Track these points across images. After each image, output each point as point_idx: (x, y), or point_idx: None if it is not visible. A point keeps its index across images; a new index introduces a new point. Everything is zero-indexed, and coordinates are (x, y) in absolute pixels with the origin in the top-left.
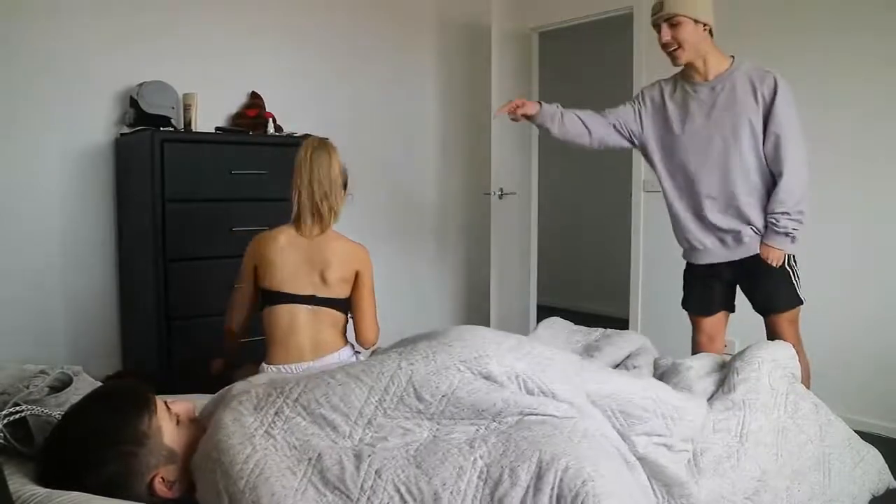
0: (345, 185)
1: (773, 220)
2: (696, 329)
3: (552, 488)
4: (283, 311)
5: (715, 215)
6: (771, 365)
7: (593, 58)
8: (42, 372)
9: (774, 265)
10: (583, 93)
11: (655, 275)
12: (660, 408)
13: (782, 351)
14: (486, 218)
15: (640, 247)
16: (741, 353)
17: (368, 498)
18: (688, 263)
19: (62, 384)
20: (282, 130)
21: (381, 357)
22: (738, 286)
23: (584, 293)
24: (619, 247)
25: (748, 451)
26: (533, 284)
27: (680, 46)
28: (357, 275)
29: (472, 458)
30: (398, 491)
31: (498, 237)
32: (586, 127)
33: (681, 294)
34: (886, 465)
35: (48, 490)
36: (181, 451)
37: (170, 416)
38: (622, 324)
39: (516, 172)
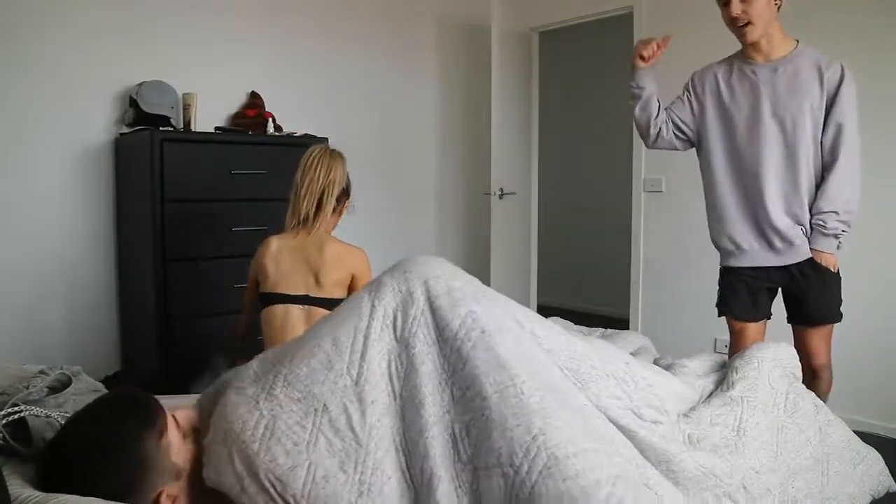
0: (347, 194)
1: (821, 221)
2: (739, 336)
3: (500, 447)
4: (277, 310)
5: (776, 212)
6: (771, 364)
7: (593, 58)
8: (41, 372)
9: (833, 270)
10: (583, 93)
11: (655, 275)
12: (606, 367)
13: (783, 351)
14: (486, 218)
15: (641, 246)
16: (741, 353)
17: (376, 443)
18: (728, 267)
19: (62, 384)
20: (281, 130)
21: (355, 301)
22: (780, 292)
23: (584, 293)
24: (619, 247)
25: (746, 444)
26: (533, 284)
27: (750, 22)
28: (353, 278)
29: (442, 413)
30: (393, 441)
31: (498, 237)
32: (658, 111)
33: (680, 294)
34: (886, 468)
35: (46, 494)
36: (186, 465)
37: (178, 432)
38: (622, 324)
39: (516, 172)
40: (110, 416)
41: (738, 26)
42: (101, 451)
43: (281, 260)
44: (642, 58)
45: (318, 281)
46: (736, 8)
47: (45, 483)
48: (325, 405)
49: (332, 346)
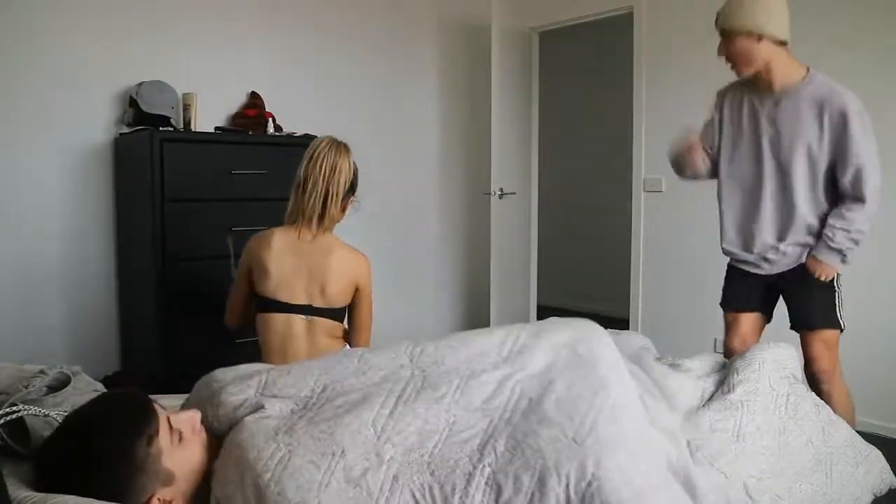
0: (353, 190)
1: (830, 235)
2: (730, 328)
3: (556, 494)
4: (279, 320)
5: (765, 241)
6: (772, 366)
7: (593, 58)
8: (41, 372)
9: (823, 279)
10: (583, 93)
11: (655, 275)
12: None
13: (784, 352)
14: (486, 218)
15: (640, 247)
16: (742, 354)
17: (387, 499)
18: (732, 260)
19: (61, 384)
20: (281, 130)
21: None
22: (780, 295)
23: (584, 293)
24: (619, 247)
25: (745, 450)
26: (533, 284)
27: (734, 61)
28: (357, 290)
29: (481, 466)
30: (413, 496)
31: (498, 237)
32: (703, 164)
33: (680, 294)
34: (888, 465)
35: (44, 494)
36: (180, 471)
37: (171, 435)
38: (622, 324)
39: (516, 172)
40: (101, 418)
41: (730, 67)
42: (91, 453)
43: (284, 262)
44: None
45: (322, 291)
46: (721, 48)
47: (40, 484)
48: (343, 451)
49: (362, 398)
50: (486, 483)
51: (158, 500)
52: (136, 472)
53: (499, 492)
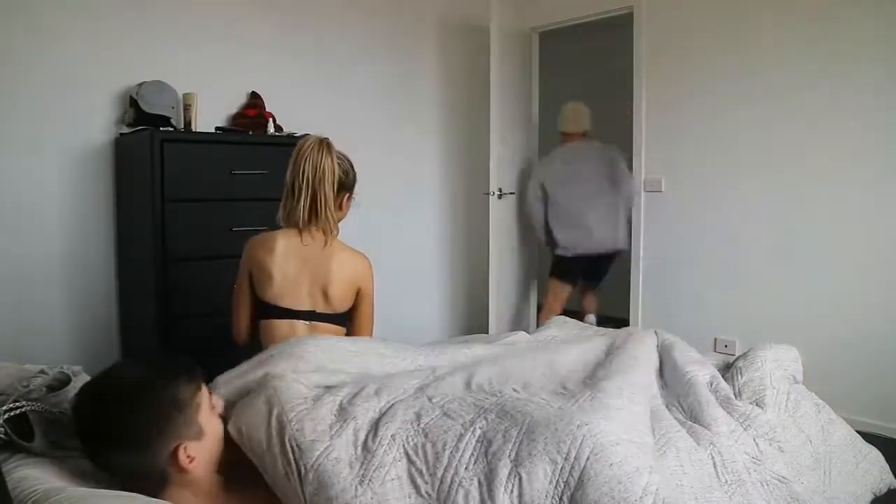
0: (345, 187)
1: None
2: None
3: (545, 438)
4: (282, 325)
5: None
6: (773, 364)
7: (593, 58)
8: (41, 371)
9: None
10: (583, 93)
11: (655, 275)
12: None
13: (785, 352)
14: (485, 218)
15: (640, 246)
16: (744, 354)
17: (384, 452)
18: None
19: (61, 384)
20: (282, 130)
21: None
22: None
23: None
24: None
25: (764, 452)
26: (533, 285)
27: None
28: (359, 291)
29: (472, 429)
30: (406, 453)
31: (498, 237)
32: None
33: (680, 294)
34: (887, 465)
35: (45, 488)
36: (209, 432)
37: (210, 400)
38: (622, 324)
39: (516, 172)
40: (157, 359)
41: None
42: (142, 386)
43: (288, 268)
44: None
45: (325, 296)
46: None
47: (79, 408)
48: (354, 417)
49: (374, 391)
50: (477, 440)
51: (184, 449)
52: (176, 411)
53: (488, 445)
